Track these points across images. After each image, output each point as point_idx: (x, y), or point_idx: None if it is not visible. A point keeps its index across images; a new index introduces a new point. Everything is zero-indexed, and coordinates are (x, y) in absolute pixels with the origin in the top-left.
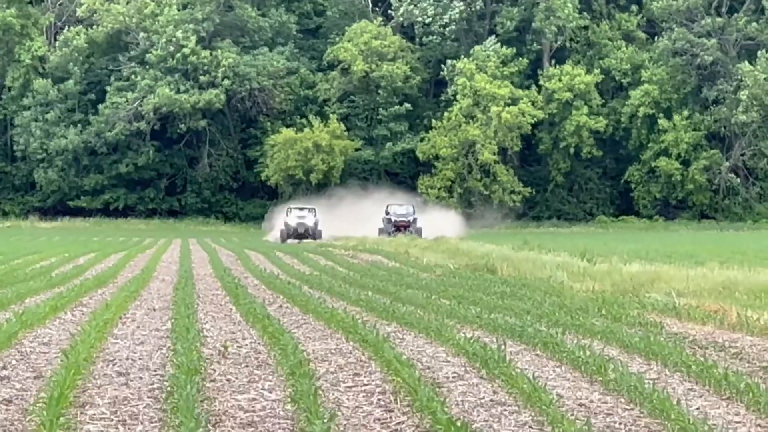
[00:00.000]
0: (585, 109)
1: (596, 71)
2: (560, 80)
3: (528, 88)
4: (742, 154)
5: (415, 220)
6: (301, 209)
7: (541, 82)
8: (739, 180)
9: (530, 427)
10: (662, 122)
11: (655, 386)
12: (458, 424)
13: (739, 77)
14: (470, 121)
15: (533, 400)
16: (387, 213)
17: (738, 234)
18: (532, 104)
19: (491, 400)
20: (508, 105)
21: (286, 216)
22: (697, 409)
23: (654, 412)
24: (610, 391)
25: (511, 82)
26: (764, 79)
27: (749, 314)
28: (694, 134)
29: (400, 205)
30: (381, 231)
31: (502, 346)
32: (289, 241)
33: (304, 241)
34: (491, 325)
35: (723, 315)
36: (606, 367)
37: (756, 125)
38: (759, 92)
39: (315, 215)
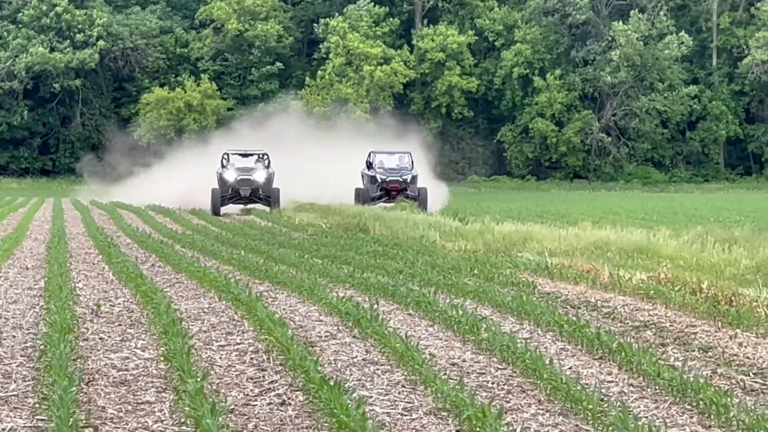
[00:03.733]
0: (457, 69)
1: (469, 32)
2: (433, 40)
3: (400, 47)
4: (614, 115)
5: (414, 179)
6: (244, 155)
7: (413, 42)
8: (610, 140)
9: (403, 386)
10: (537, 81)
11: (527, 346)
12: (331, 383)
13: (611, 37)
14: (342, 80)
15: (406, 360)
16: (369, 166)
17: (609, 194)
18: (405, 64)
19: (364, 360)
20: (381, 64)
21: (221, 167)
22: (570, 368)
23: (526, 371)
24: (482, 351)
25: (384, 42)
26: (636, 38)
27: (621, 274)
28: (568, 94)
29: (390, 154)
30: (360, 195)
31: (375, 306)
32: (226, 208)
33: (252, 207)
34: (364, 285)
35: (595, 275)
36: (478, 326)
37: (627, 85)
38: (631, 52)
39: (268, 165)
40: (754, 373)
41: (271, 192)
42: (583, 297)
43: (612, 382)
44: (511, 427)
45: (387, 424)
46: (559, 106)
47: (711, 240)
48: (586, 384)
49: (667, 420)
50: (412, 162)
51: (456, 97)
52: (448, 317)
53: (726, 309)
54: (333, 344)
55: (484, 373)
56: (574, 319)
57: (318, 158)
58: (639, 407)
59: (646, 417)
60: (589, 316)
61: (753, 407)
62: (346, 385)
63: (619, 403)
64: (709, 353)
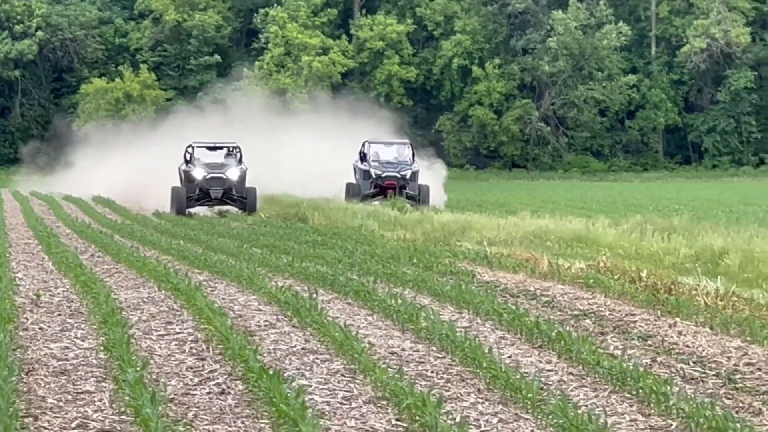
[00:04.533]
0: (396, 59)
1: (408, 21)
2: (371, 30)
3: (339, 37)
4: (553, 104)
5: (415, 175)
6: (212, 148)
7: (352, 32)
8: (549, 129)
9: (342, 375)
10: (476, 70)
11: (467, 334)
12: (270, 372)
13: (550, 26)
14: (281, 70)
15: (345, 348)
16: (363, 158)
17: (548, 183)
18: (343, 54)
19: (303, 348)
20: (320, 54)
21: (185, 163)
22: (509, 357)
23: (466, 360)
24: (422, 340)
25: (323, 32)
26: (575, 27)
27: (560, 263)
28: (507, 84)
29: (387, 144)
30: (351, 191)
31: (314, 295)
32: (194, 210)
33: (225, 210)
34: (303, 274)
35: (534, 264)
36: (418, 315)
37: (566, 74)
38: (569, 41)
39: (240, 160)
40: (693, 362)
41: (247, 192)
42: (522, 286)
43: (551, 370)
44: (450, 416)
45: (326, 413)
46: (498, 96)
47: (650, 229)
48: (526, 373)
49: (607, 408)
50: (413, 154)
51: (395, 86)
52: (388, 306)
53: (665, 297)
54: (272, 333)
55: (424, 362)
56: (513, 307)
57: (287, 145)
58: (578, 396)
59: (586, 405)
60: (528, 304)
61: (692, 395)
62: (285, 374)
63: (558, 392)
64: (649, 342)
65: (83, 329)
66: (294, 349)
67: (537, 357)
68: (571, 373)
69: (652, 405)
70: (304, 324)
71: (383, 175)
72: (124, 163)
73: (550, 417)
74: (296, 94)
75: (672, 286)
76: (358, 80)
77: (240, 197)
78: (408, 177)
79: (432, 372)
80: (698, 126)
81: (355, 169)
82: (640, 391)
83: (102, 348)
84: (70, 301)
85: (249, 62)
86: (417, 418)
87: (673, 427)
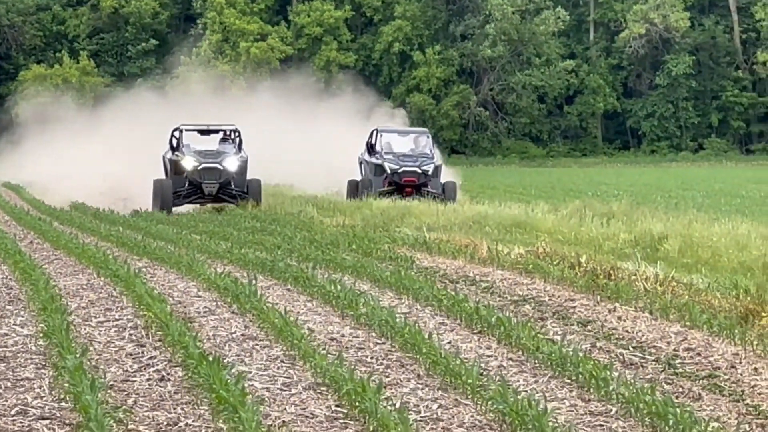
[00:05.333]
0: (334, 45)
1: (347, 7)
2: (309, 16)
3: (278, 23)
4: (491, 89)
5: (437, 170)
6: (205, 132)
7: (290, 18)
8: (488, 114)
9: (282, 361)
10: (416, 55)
11: (406, 320)
12: (210, 358)
13: (488, 11)
14: (219, 56)
15: (285, 335)
16: (371, 150)
17: (487, 169)
18: (282, 40)
19: (243, 335)
20: (258, 41)
21: (171, 150)
22: (449, 342)
23: (405, 346)
24: (361, 326)
25: (261, 18)
26: (513, 12)
27: (499, 248)
28: (446, 69)
29: (401, 134)
30: (356, 189)
31: (253, 281)
32: (180, 208)
33: (222, 206)
34: (242, 260)
35: (474, 249)
36: (357, 301)
37: (505, 60)
38: (507, 26)
39: (239, 147)
40: (633, 347)
41: (249, 186)
42: (461, 271)
43: (491, 356)
44: (390, 402)
45: (266, 399)
46: (437, 81)
47: (589, 214)
48: (465, 358)
49: (547, 394)
50: (432, 146)
51: (334, 72)
52: (327, 292)
53: (605, 283)
54: (212, 320)
55: (363, 348)
56: (453, 293)
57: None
58: (518, 381)
59: (526, 391)
60: (467, 290)
61: (632, 381)
62: (225, 361)
63: (498, 377)
64: (588, 327)
65: (22, 316)
66: (233, 336)
67: (477, 343)
68: (510, 359)
69: (591, 390)
70: (244, 310)
71: (400, 171)
72: (66, 149)
73: (490, 402)
74: (235, 80)
75: (611, 272)
76: (296, 66)
77: (240, 192)
78: (430, 172)
79: (371, 358)
80: (637, 111)
81: (361, 163)
82: (580, 376)
83: (41, 335)
84: (9, 287)
85: (188, 49)
86: (357, 404)
87: (612, 412)
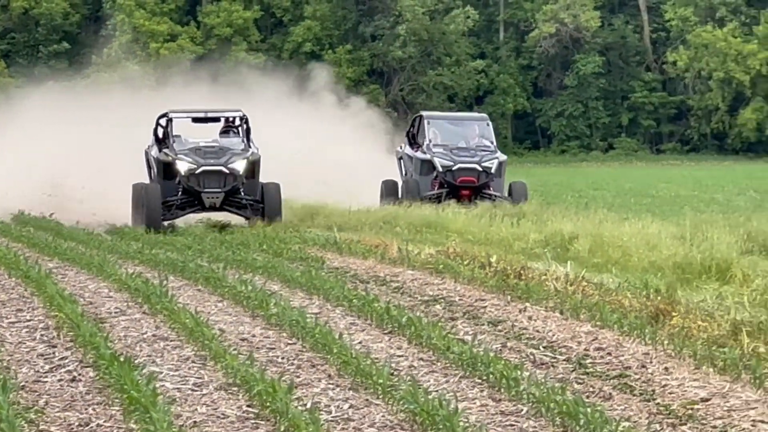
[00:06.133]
0: (244, 45)
1: (256, 8)
2: (218, 16)
3: (187, 24)
4: (401, 89)
5: (501, 166)
6: (203, 119)
7: (200, 18)
8: (397, 115)
9: (193, 361)
10: (327, 55)
11: (317, 321)
12: (121, 359)
13: (398, 12)
14: (130, 57)
15: (196, 335)
16: (413, 141)
17: None
18: (192, 40)
19: (154, 335)
20: (168, 41)
21: (156, 145)
22: (360, 343)
23: (316, 346)
24: (272, 326)
25: (171, 19)
26: (423, 13)
27: (410, 248)
28: (357, 70)
29: (454, 122)
30: (395, 191)
31: (164, 282)
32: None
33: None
34: (153, 261)
35: (384, 249)
36: (268, 301)
37: (415, 60)
38: (417, 26)
39: (248, 139)
40: (543, 347)
41: (264, 192)
42: (372, 272)
43: (402, 356)
44: (301, 402)
45: (177, 399)
46: (347, 81)
47: (499, 214)
48: (376, 358)
49: (458, 393)
50: (494, 137)
51: (244, 72)
52: (238, 293)
53: (515, 283)
54: (123, 320)
55: (274, 348)
56: (364, 293)
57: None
58: (429, 381)
59: (437, 391)
60: (378, 290)
61: (543, 380)
62: (136, 361)
63: (409, 377)
64: (499, 327)
65: None
66: (145, 336)
67: (387, 343)
68: (421, 359)
69: (502, 390)
70: (155, 311)
71: (455, 169)
72: None
73: (401, 402)
74: (145, 81)
75: (522, 272)
76: (207, 67)
77: (252, 201)
78: (492, 170)
79: (282, 358)
80: (547, 111)
81: (401, 159)
82: (491, 376)
83: None
84: None
85: (98, 49)
86: (268, 404)
87: (523, 412)
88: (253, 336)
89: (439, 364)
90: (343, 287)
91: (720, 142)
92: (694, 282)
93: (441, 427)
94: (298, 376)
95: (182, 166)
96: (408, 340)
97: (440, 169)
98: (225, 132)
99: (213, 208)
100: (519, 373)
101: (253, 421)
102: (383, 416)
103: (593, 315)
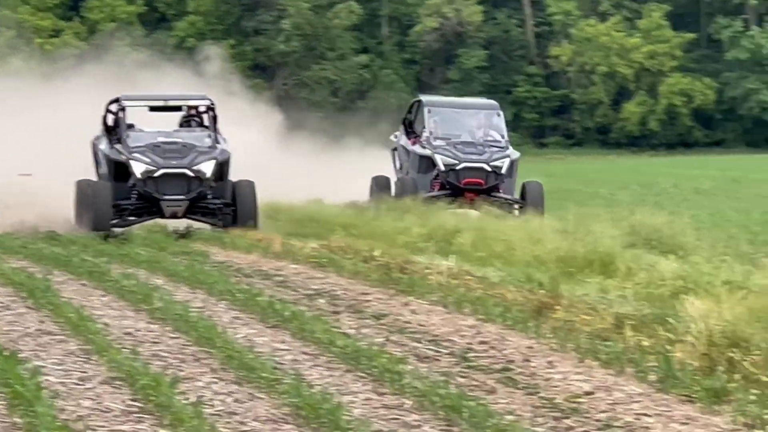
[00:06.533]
0: (128, 40)
1: (139, 2)
2: (102, 11)
3: (71, 19)
4: (285, 84)
5: (513, 165)
6: (161, 108)
7: (83, 13)
8: (280, 109)
9: (77, 356)
10: (213, 50)
11: (201, 315)
12: (6, 353)
13: (282, 6)
14: (14, 52)
15: (80, 330)
16: (409, 129)
17: None
18: (76, 36)
19: (38, 330)
20: (52, 36)
21: (106, 138)
22: (244, 336)
23: (200, 340)
24: (156, 320)
25: (54, 14)
26: (307, 8)
27: (293, 243)
28: (239, 64)
29: (459, 109)
30: (385, 188)
31: (48, 276)
32: (118, 230)
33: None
34: (37, 255)
35: (268, 244)
36: (152, 296)
37: (299, 54)
38: (301, 21)
39: (216, 134)
40: (427, 341)
41: (237, 194)
42: (255, 266)
43: (285, 350)
44: (185, 396)
45: (61, 393)
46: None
47: (383, 208)
48: (260, 352)
49: (341, 387)
50: (505, 129)
51: (127, 66)
52: (122, 287)
53: (398, 277)
54: (7, 315)
55: (158, 342)
56: (247, 287)
57: None
58: (313, 375)
59: (320, 385)
60: (262, 284)
61: (426, 374)
62: (20, 356)
63: (292, 371)
64: (382, 321)
65: None
66: (29, 331)
67: (271, 336)
68: (305, 353)
69: (386, 384)
70: (39, 305)
71: (459, 168)
72: None
73: (285, 396)
74: (28, 77)
75: (405, 265)
76: (92, 63)
77: (221, 205)
78: (503, 170)
79: (166, 352)
80: None
81: (395, 151)
82: (374, 369)
83: None
84: None
85: None
86: (152, 398)
87: (407, 406)
88: (137, 330)
89: (322, 357)
90: (227, 281)
91: (603, 135)
92: (577, 276)
93: (325, 420)
94: (182, 370)
95: (137, 168)
96: (291, 333)
97: (442, 168)
98: (187, 122)
99: (174, 217)
100: (402, 366)
101: (137, 415)
102: (267, 410)
103: (476, 309)
